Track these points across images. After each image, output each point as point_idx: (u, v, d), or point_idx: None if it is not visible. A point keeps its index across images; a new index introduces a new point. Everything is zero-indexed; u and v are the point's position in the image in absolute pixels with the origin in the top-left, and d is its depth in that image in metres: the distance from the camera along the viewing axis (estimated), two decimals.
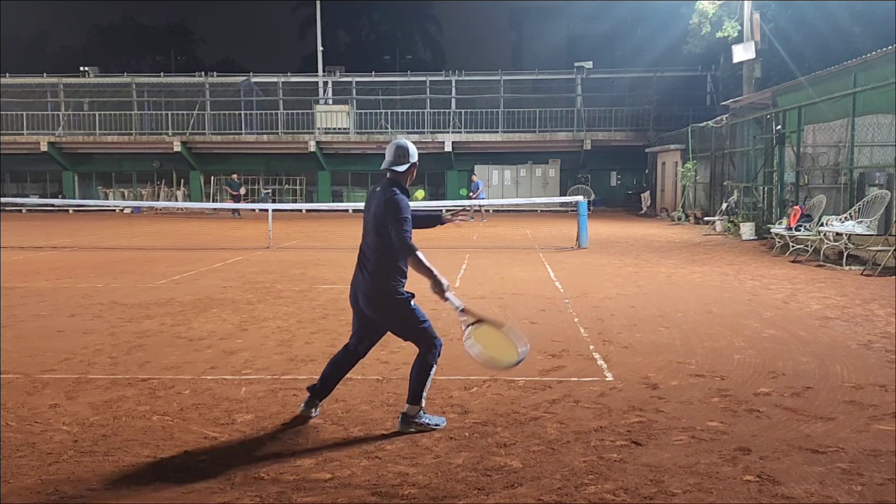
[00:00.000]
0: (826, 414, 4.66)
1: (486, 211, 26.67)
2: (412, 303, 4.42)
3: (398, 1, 58.52)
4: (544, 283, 10.51)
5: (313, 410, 4.62)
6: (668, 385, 5.30)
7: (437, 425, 4.41)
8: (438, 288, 4.26)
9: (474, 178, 26.75)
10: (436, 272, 4.25)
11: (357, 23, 62.62)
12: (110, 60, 54.76)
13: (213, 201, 31.94)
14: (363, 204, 4.72)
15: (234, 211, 27.01)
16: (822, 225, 12.65)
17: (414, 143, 27.70)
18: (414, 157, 4.53)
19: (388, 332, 4.60)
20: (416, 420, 4.37)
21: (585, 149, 32.10)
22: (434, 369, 4.44)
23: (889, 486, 3.59)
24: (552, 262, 13.06)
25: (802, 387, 5.24)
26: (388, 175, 4.49)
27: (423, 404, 4.41)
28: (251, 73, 36.17)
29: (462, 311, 4.32)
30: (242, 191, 28.50)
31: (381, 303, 4.39)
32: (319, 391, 4.63)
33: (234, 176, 29.08)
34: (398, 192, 4.38)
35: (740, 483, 3.62)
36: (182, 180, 34.02)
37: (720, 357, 6.12)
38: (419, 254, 4.25)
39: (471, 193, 25.87)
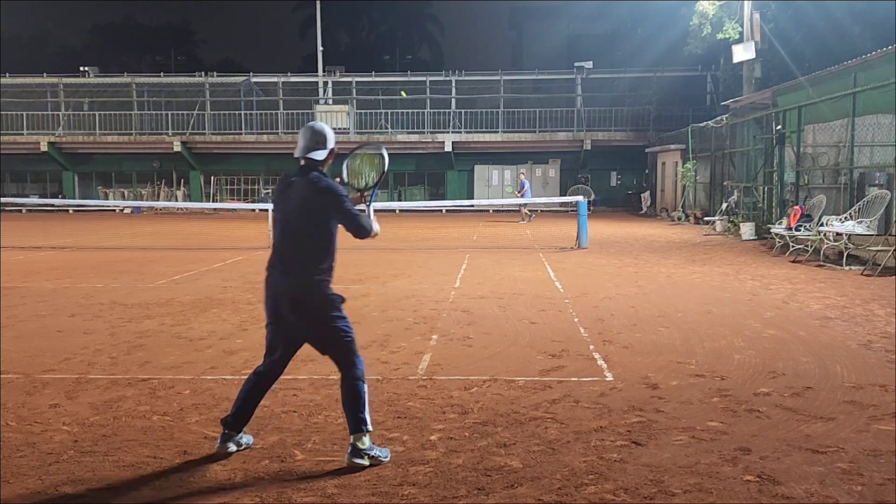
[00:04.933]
0: (826, 414, 4.65)
1: (534, 211, 26.25)
2: (342, 309, 3.98)
3: (398, 1, 58.54)
4: (544, 283, 10.51)
5: (230, 446, 3.99)
6: (668, 385, 5.30)
7: (385, 458, 3.90)
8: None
9: (521, 176, 26.54)
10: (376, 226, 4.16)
11: (357, 23, 62.61)
12: (110, 60, 54.72)
13: (213, 201, 31.95)
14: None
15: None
16: (822, 225, 12.65)
17: (414, 143, 27.85)
18: (332, 143, 4.06)
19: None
20: (368, 451, 3.84)
21: (585, 149, 32.10)
22: (365, 387, 3.93)
23: (889, 486, 3.59)
24: (552, 262, 13.06)
25: (802, 387, 5.24)
26: (302, 163, 4.05)
27: (371, 429, 3.90)
28: (251, 73, 36.17)
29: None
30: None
31: (311, 303, 3.89)
32: (233, 425, 4.00)
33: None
34: (324, 175, 3.98)
35: (740, 483, 3.62)
36: (182, 180, 34.02)
37: (720, 357, 6.12)
38: (377, 226, 4.08)
39: (517, 192, 25.85)
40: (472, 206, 30.05)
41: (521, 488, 3.57)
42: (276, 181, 33.79)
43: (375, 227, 4.09)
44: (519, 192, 25.14)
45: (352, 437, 3.85)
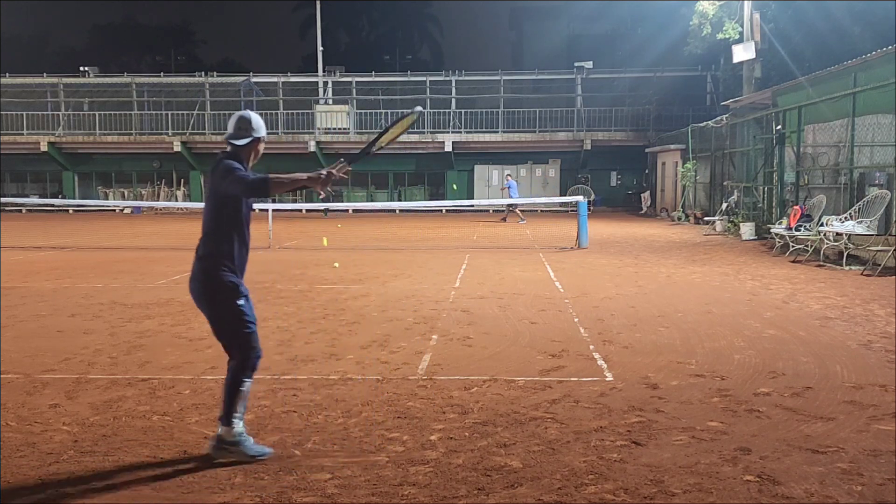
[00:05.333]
0: (826, 414, 4.65)
1: (512, 209, 26.03)
2: (243, 299, 3.94)
3: (398, 1, 58.54)
4: (544, 283, 10.51)
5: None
6: (668, 385, 5.30)
7: (261, 455, 3.87)
8: (318, 180, 3.86)
9: (508, 177, 26.47)
10: (301, 175, 3.90)
11: (357, 23, 62.62)
12: (110, 60, 54.72)
13: None
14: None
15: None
16: (822, 225, 12.65)
17: (414, 143, 27.70)
18: (259, 132, 3.99)
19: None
20: (233, 445, 3.84)
21: (585, 149, 32.10)
22: (248, 385, 3.90)
23: (889, 486, 3.59)
24: (552, 262, 13.06)
25: (802, 387, 5.24)
26: (227, 149, 3.99)
27: (240, 427, 3.87)
28: (251, 73, 36.18)
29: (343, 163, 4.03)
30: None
31: (209, 289, 3.91)
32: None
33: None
34: (229, 158, 3.90)
35: (740, 483, 3.62)
36: (182, 180, 34.02)
37: (720, 357, 6.12)
38: (271, 177, 3.79)
39: (501, 191, 25.91)
40: (472, 205, 30.02)
41: (521, 488, 3.57)
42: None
43: (284, 176, 3.87)
44: (504, 191, 25.19)
45: (220, 427, 3.89)
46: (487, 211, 30.74)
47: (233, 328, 3.93)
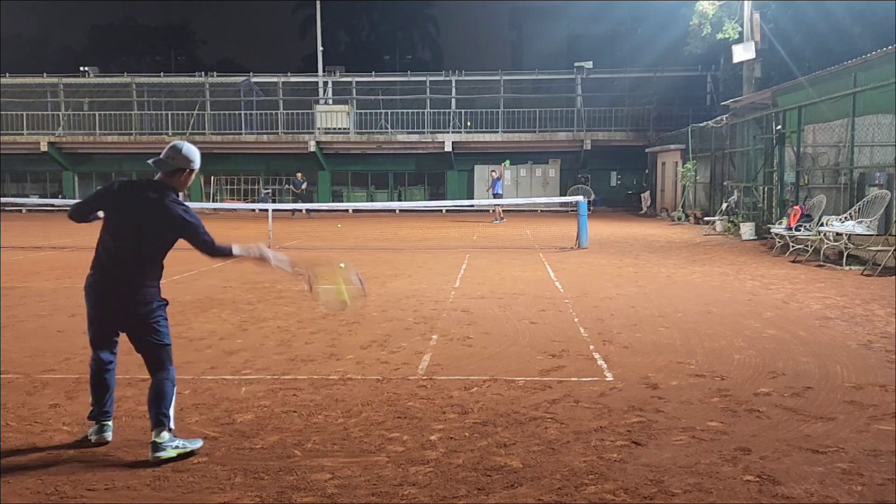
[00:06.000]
0: (826, 414, 4.66)
1: (495, 210, 26.14)
2: (165, 313, 4.20)
3: (398, 1, 58.54)
4: (544, 283, 10.51)
5: (108, 435, 4.19)
6: (668, 385, 5.30)
7: (192, 448, 4.01)
8: (265, 260, 4.24)
9: (493, 174, 26.11)
10: (253, 248, 4.24)
11: (357, 23, 62.64)
12: (110, 60, 54.71)
13: (213, 201, 31.94)
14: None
15: (309, 211, 27.39)
16: (822, 225, 12.65)
17: (414, 143, 27.63)
18: (187, 164, 4.20)
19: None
20: (168, 444, 3.95)
21: (585, 149, 32.10)
22: (174, 390, 4.09)
23: (889, 486, 3.59)
24: (552, 262, 13.06)
25: (802, 387, 5.24)
26: (157, 176, 4.17)
27: (172, 427, 4.02)
28: (251, 73, 36.15)
29: (294, 268, 4.34)
30: (304, 186, 28.80)
31: (142, 310, 4.05)
32: (99, 414, 4.19)
33: (299, 175, 29.11)
34: (176, 198, 4.15)
35: (740, 483, 3.62)
36: None
37: (720, 357, 6.12)
38: (235, 248, 4.22)
39: (487, 190, 25.89)
40: (472, 205, 30.03)
41: (521, 488, 3.57)
42: (275, 181, 33.83)
43: (242, 249, 4.24)
44: (490, 190, 25.15)
45: (153, 432, 3.99)
46: (488, 211, 30.74)
47: (159, 340, 4.14)
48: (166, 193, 4.11)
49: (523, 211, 31.28)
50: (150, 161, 4.18)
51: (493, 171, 27.08)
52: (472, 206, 30.03)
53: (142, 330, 4.09)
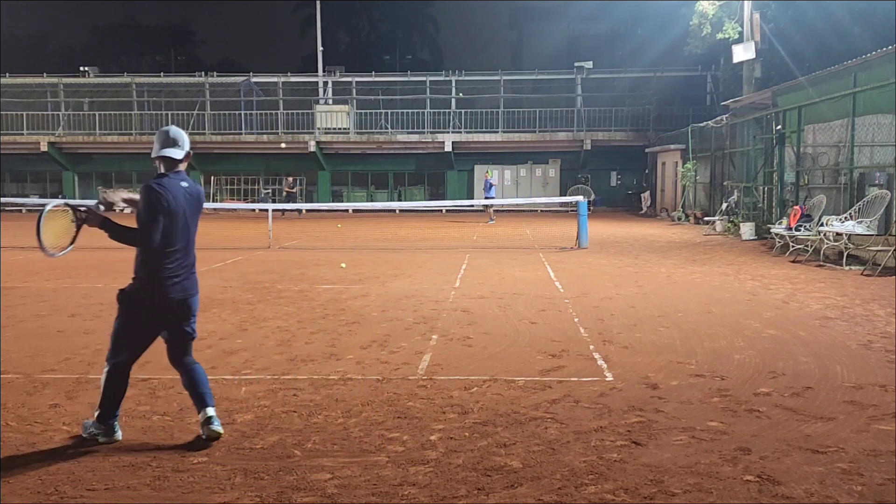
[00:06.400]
0: (826, 414, 4.65)
1: (487, 209, 26.24)
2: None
3: (398, 1, 58.54)
4: (544, 283, 10.51)
5: (119, 434, 4.26)
6: (668, 385, 5.30)
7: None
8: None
9: (487, 175, 26.45)
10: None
11: (357, 23, 62.65)
12: (110, 60, 54.75)
13: (213, 201, 31.93)
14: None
15: (297, 211, 28.07)
16: (822, 225, 12.65)
17: (414, 143, 27.75)
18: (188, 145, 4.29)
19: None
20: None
21: (585, 149, 32.10)
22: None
23: (889, 486, 3.59)
24: (552, 262, 13.06)
25: (802, 387, 5.24)
26: (176, 167, 4.20)
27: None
28: (251, 73, 36.15)
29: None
30: (295, 189, 29.67)
31: (194, 302, 4.51)
32: (114, 417, 4.25)
33: (290, 178, 30.22)
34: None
35: (740, 483, 3.62)
36: None
37: (720, 357, 6.12)
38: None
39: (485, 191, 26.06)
40: (472, 205, 30.02)
41: (521, 488, 3.57)
42: (275, 181, 33.80)
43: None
44: (486, 193, 25.30)
45: (200, 411, 4.25)
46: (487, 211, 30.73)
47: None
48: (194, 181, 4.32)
49: (523, 211, 31.29)
50: (169, 152, 4.13)
51: (487, 172, 27.45)
52: (473, 206, 30.03)
53: (187, 321, 4.36)
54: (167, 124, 30.20)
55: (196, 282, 4.47)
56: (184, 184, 4.18)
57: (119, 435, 4.24)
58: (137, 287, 4.24)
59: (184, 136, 4.22)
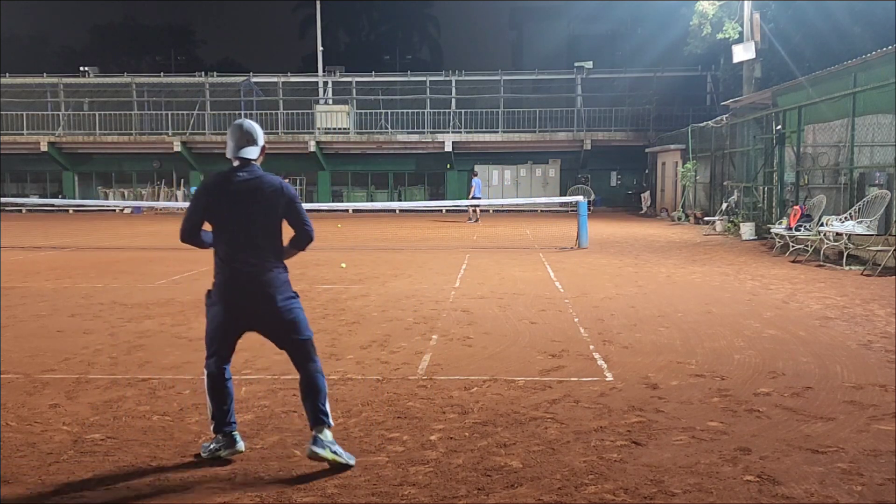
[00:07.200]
0: (826, 414, 4.65)
1: (475, 211, 26.26)
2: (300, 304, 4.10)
3: (398, 1, 58.53)
4: (544, 283, 10.51)
5: (241, 445, 3.98)
6: (668, 385, 5.30)
7: (346, 462, 3.82)
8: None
9: (474, 176, 26.62)
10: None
11: (357, 23, 62.60)
12: (110, 60, 54.69)
13: None
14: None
15: None
16: (822, 225, 12.65)
17: (414, 143, 27.80)
18: (262, 140, 4.07)
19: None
20: (329, 447, 3.82)
21: (585, 149, 32.10)
22: (325, 382, 3.98)
23: (889, 486, 3.59)
24: (552, 262, 13.06)
25: (802, 387, 5.24)
26: (245, 162, 3.97)
27: (331, 423, 3.96)
28: (251, 73, 36.15)
29: None
30: None
31: (287, 304, 4.00)
32: (225, 424, 4.00)
33: (287, 181, 29.82)
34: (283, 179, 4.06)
35: (740, 483, 3.62)
36: (182, 180, 33.99)
37: (720, 357, 6.12)
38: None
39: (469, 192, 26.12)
40: (472, 206, 29.96)
41: (521, 488, 3.57)
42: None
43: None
44: (471, 194, 25.40)
45: (313, 430, 3.93)
46: (487, 211, 30.74)
47: (305, 328, 4.04)
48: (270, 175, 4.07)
49: (523, 211, 31.29)
50: (245, 153, 3.96)
51: (475, 172, 27.57)
52: (472, 206, 29.99)
53: (272, 320, 4.00)
54: (167, 124, 29.97)
55: (276, 278, 4.10)
56: (242, 174, 3.92)
57: (241, 445, 3.93)
58: (213, 285, 4.12)
59: (258, 130, 4.03)
